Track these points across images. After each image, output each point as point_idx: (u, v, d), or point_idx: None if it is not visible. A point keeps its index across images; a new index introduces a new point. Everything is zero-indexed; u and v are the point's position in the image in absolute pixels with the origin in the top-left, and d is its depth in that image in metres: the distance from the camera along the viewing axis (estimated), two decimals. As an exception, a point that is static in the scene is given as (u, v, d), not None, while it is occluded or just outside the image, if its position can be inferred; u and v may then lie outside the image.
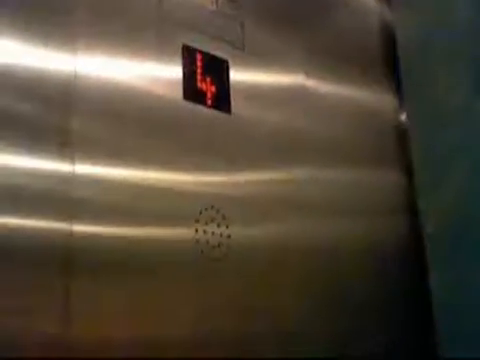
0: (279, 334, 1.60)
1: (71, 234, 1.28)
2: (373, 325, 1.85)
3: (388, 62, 2.23)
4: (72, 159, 1.33)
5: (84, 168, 1.35)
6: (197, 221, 1.52)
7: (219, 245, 1.55)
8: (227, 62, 1.71)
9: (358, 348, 1.77)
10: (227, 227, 1.57)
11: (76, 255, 1.28)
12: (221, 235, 1.56)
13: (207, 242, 1.52)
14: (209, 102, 1.63)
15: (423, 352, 1.92)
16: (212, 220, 1.55)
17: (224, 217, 1.57)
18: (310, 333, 1.67)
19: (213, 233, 1.54)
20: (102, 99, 1.42)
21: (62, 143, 1.32)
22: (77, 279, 1.27)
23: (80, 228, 1.30)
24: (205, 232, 1.53)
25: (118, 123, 1.44)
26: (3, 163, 1.24)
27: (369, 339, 1.82)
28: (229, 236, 1.57)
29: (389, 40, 2.25)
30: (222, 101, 1.66)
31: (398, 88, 2.20)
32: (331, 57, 2.04)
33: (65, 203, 1.30)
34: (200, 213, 1.53)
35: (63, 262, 1.27)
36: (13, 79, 1.29)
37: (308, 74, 1.93)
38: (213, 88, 1.65)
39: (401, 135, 2.16)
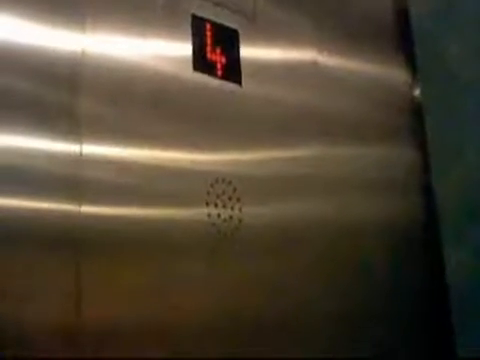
0: (290, 312, 1.57)
1: (80, 215, 1.26)
2: (387, 305, 1.82)
3: (401, 37, 2.18)
4: (80, 139, 1.30)
5: (92, 148, 1.32)
6: (208, 193, 1.48)
7: (231, 217, 1.51)
8: (237, 32, 1.66)
9: (370, 328, 1.74)
10: (238, 200, 1.54)
11: (85, 236, 1.26)
12: (233, 208, 1.52)
13: (218, 215, 1.49)
14: (219, 73, 1.59)
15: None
16: (223, 192, 1.51)
17: (235, 190, 1.54)
18: (322, 312, 1.64)
19: (224, 205, 1.51)
20: (110, 77, 1.38)
21: (69, 123, 1.29)
22: (87, 259, 1.25)
23: (88, 209, 1.28)
24: (216, 205, 1.49)
25: (127, 101, 1.40)
26: (10, 144, 1.21)
27: (382, 319, 1.78)
28: (240, 209, 1.54)
29: (402, 14, 2.20)
30: (232, 72, 1.62)
31: (412, 63, 2.15)
32: (343, 32, 2.00)
33: (73, 184, 1.27)
34: (211, 186, 1.49)
35: (72, 243, 1.24)
36: (20, 58, 1.26)
37: (320, 49, 1.89)
38: (223, 59, 1.61)
39: (415, 110, 2.11)
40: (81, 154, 1.29)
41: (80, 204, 1.26)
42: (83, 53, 1.35)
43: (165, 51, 1.52)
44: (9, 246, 1.16)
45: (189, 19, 1.57)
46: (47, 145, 1.26)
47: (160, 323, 1.33)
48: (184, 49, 1.55)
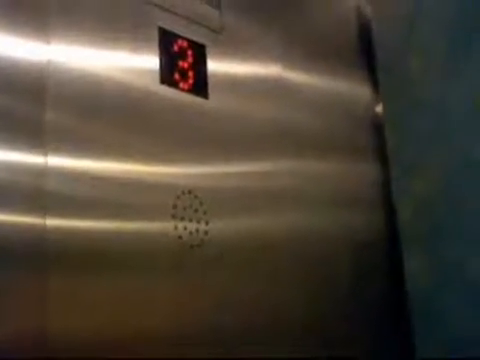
0: (254, 324, 1.59)
1: (45, 228, 1.24)
2: (350, 314, 1.85)
3: (364, 53, 2.23)
4: (45, 151, 1.28)
5: (57, 160, 1.30)
6: (175, 207, 1.49)
7: (197, 230, 1.52)
8: (204, 47, 1.68)
9: (335, 337, 1.78)
10: (205, 213, 1.54)
11: (51, 249, 1.24)
12: (199, 221, 1.53)
13: (185, 228, 1.49)
14: (186, 86, 1.60)
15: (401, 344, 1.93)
16: (190, 205, 1.52)
17: (201, 203, 1.54)
18: (286, 323, 1.65)
19: (191, 219, 1.51)
20: (76, 88, 1.37)
21: (35, 134, 1.27)
22: (53, 273, 1.23)
23: (54, 222, 1.26)
24: (182, 218, 1.49)
25: (93, 113, 1.39)
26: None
27: (346, 328, 1.81)
28: (207, 222, 1.54)
29: (366, 31, 2.25)
30: (199, 86, 1.63)
31: (374, 79, 2.20)
32: (308, 48, 2.03)
33: (38, 196, 1.25)
34: (177, 198, 1.49)
35: (38, 256, 1.22)
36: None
37: (285, 64, 1.92)
38: (190, 72, 1.62)
39: (377, 126, 2.16)
40: (46, 166, 1.28)
41: (45, 216, 1.25)
42: (49, 63, 1.34)
43: (132, 63, 1.51)
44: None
45: (156, 32, 1.57)
46: (12, 156, 1.24)
47: (127, 336, 1.32)
48: (151, 62, 1.55)
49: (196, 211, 1.53)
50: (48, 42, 1.35)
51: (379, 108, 2.19)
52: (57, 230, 1.26)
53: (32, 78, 1.30)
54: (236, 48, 1.78)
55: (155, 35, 1.57)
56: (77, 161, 1.34)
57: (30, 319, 1.19)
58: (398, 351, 1.94)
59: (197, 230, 1.52)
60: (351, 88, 2.17)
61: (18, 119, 1.26)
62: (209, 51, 1.69)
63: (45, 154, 1.28)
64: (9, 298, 1.17)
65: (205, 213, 1.55)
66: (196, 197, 1.54)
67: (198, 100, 1.62)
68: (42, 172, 1.27)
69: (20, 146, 1.25)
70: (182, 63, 1.61)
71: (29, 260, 1.21)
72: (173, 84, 1.57)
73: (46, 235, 1.24)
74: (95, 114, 1.40)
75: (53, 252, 1.24)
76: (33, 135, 1.27)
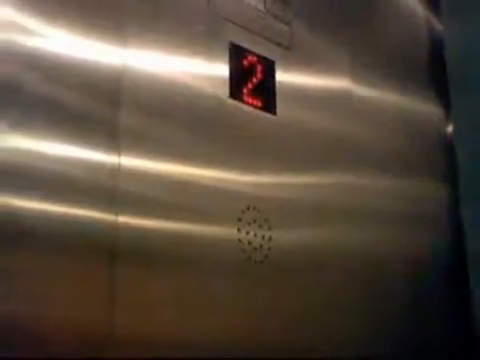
0: (317, 336, 1.58)
1: (117, 225, 1.27)
2: (411, 335, 1.81)
3: (435, 71, 2.18)
4: (119, 151, 1.31)
5: (130, 161, 1.33)
6: (240, 220, 1.49)
7: (261, 246, 1.52)
8: (274, 62, 1.68)
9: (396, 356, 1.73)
10: (269, 229, 1.54)
11: (121, 246, 1.27)
12: (263, 237, 1.53)
13: (249, 243, 1.50)
14: (254, 102, 1.60)
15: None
16: (254, 221, 1.52)
17: (266, 219, 1.54)
18: (348, 337, 1.64)
19: (255, 234, 1.51)
20: (150, 93, 1.40)
21: (109, 135, 1.31)
22: (122, 270, 1.26)
23: (125, 220, 1.29)
24: (248, 233, 1.50)
25: (165, 117, 1.42)
26: (51, 151, 1.22)
27: (407, 347, 1.77)
28: (270, 238, 1.54)
29: (437, 48, 2.21)
30: (268, 102, 1.63)
31: (445, 98, 2.15)
32: (378, 63, 2.01)
33: (111, 195, 1.29)
34: (243, 212, 1.50)
35: (109, 253, 1.25)
36: (64, 70, 1.27)
37: (354, 79, 1.90)
38: (259, 87, 1.62)
39: (447, 146, 2.11)
40: (119, 166, 1.31)
41: (117, 214, 1.28)
42: (124, 67, 1.37)
43: (204, 73, 1.53)
44: (46, 253, 1.17)
45: (227, 46, 1.59)
46: (88, 156, 1.27)
47: (186, 337, 1.34)
48: (222, 74, 1.56)
49: (260, 227, 1.53)
50: (125, 46, 1.38)
51: (450, 128, 2.14)
52: (128, 228, 1.29)
53: (108, 81, 1.34)
54: (305, 63, 1.78)
55: (226, 49, 1.58)
56: (149, 163, 1.37)
57: (99, 314, 1.22)
58: None
59: (263, 237, 1.53)
60: (421, 105, 2.13)
61: (94, 120, 1.30)
62: (278, 66, 1.68)
63: (119, 154, 1.31)
64: (80, 291, 1.20)
65: (269, 228, 1.55)
66: (260, 212, 1.53)
67: (266, 116, 1.62)
68: (116, 172, 1.30)
69: (95, 146, 1.29)
70: (251, 78, 1.61)
71: (100, 255, 1.24)
72: (241, 99, 1.58)
73: (117, 232, 1.27)
74: (167, 118, 1.43)
75: (123, 249, 1.27)
76: (108, 136, 1.31)
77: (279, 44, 1.71)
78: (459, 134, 2.08)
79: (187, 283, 1.36)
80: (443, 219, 2.05)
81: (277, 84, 1.67)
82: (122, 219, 1.29)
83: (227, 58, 1.58)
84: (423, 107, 2.13)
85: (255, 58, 1.64)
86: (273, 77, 1.67)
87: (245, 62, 1.62)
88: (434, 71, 2.18)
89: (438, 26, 2.26)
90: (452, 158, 2.09)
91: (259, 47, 1.65)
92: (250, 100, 1.60)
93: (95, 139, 1.29)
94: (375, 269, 1.78)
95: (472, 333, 1.89)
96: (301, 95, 1.74)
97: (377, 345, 1.71)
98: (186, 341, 1.34)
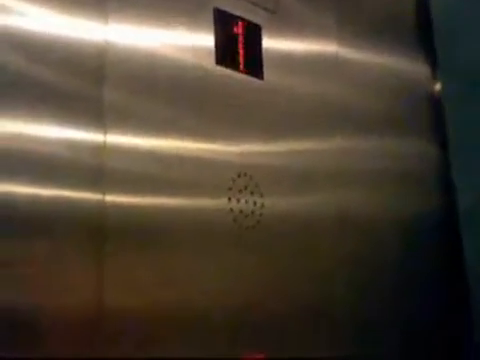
0: (312, 302, 1.59)
1: (104, 204, 1.27)
2: (405, 297, 1.83)
3: (422, 31, 2.16)
4: (104, 129, 1.30)
5: (116, 138, 1.32)
6: (230, 189, 1.49)
7: (252, 212, 1.52)
8: (260, 27, 1.66)
9: (388, 320, 1.75)
10: (261, 195, 1.54)
11: (109, 225, 1.27)
12: (255, 203, 1.53)
13: (240, 211, 1.50)
14: (241, 67, 1.59)
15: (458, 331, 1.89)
16: (245, 188, 1.52)
17: (257, 185, 1.54)
18: (340, 303, 1.65)
19: (246, 201, 1.51)
20: (134, 67, 1.39)
21: (94, 113, 1.30)
22: (110, 248, 1.26)
23: (112, 198, 1.28)
24: (238, 201, 1.50)
25: (150, 92, 1.41)
26: (35, 133, 1.22)
27: (400, 311, 1.79)
28: (262, 204, 1.54)
29: (423, 8, 2.18)
30: (254, 66, 1.62)
31: (432, 57, 2.13)
32: (363, 25, 1.99)
33: (97, 173, 1.28)
34: (233, 181, 1.50)
35: (96, 231, 1.25)
36: (45, 48, 1.26)
37: (340, 42, 1.88)
38: (246, 52, 1.60)
39: (435, 105, 2.10)
40: (105, 143, 1.30)
41: (104, 193, 1.27)
42: (106, 43, 1.35)
43: (188, 44, 1.51)
44: (32, 234, 1.17)
45: (212, 12, 1.56)
46: (73, 135, 1.26)
47: (179, 311, 1.34)
48: (207, 42, 1.54)
49: (252, 193, 1.53)
50: (106, 22, 1.36)
51: (438, 87, 2.13)
52: (115, 206, 1.29)
53: (90, 58, 1.32)
54: (291, 27, 1.76)
55: (211, 16, 1.56)
56: (135, 139, 1.36)
57: (87, 293, 1.22)
58: (456, 334, 1.90)
59: (254, 203, 1.53)
60: (408, 66, 2.11)
61: (77, 98, 1.28)
62: (264, 31, 1.66)
63: (104, 132, 1.30)
64: (68, 271, 1.20)
65: (261, 195, 1.55)
66: (251, 178, 1.53)
67: (253, 80, 1.61)
68: (101, 149, 1.29)
69: (80, 124, 1.28)
70: (237, 44, 1.59)
71: (88, 235, 1.24)
72: (228, 65, 1.56)
73: (105, 210, 1.27)
74: (152, 93, 1.41)
75: (111, 227, 1.27)
76: (93, 114, 1.30)
77: (264, 8, 1.69)
78: (447, 92, 2.07)
79: (179, 259, 1.36)
80: (433, 178, 2.05)
81: (263, 48, 1.65)
82: (109, 198, 1.28)
83: (212, 24, 1.56)
84: (410, 66, 2.12)
85: (241, 23, 1.62)
86: (260, 41, 1.65)
87: (231, 27, 1.59)
88: (420, 30, 2.16)
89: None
90: (440, 116, 2.08)
91: (244, 12, 1.63)
92: (237, 66, 1.58)
93: (80, 117, 1.28)
94: (365, 231, 1.79)
95: (467, 301, 1.90)
96: (287, 59, 1.72)
97: (365, 310, 1.72)
98: (176, 317, 1.33)
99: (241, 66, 1.59)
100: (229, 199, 1.49)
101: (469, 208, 1.93)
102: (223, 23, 1.58)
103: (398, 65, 2.08)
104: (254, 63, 1.62)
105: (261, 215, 1.53)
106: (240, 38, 1.61)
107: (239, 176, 1.52)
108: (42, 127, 1.22)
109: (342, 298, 1.66)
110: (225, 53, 1.56)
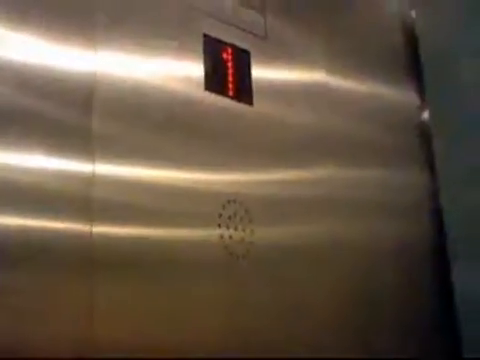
0: (303, 331, 1.56)
1: (91, 235, 1.24)
2: (397, 323, 1.81)
3: (410, 59, 2.18)
4: (93, 159, 1.29)
5: (105, 168, 1.30)
6: (220, 216, 1.47)
7: (243, 240, 1.50)
8: (249, 53, 1.65)
9: (381, 346, 1.73)
10: (250, 221, 1.52)
11: (97, 256, 1.24)
12: (244, 230, 1.51)
13: (230, 237, 1.48)
14: (231, 93, 1.58)
15: (447, 352, 1.88)
16: (235, 215, 1.50)
17: (247, 211, 1.52)
18: (334, 331, 1.63)
19: (236, 228, 1.49)
20: (122, 96, 1.37)
21: (83, 142, 1.28)
22: (99, 280, 1.24)
23: (101, 229, 1.26)
24: (228, 227, 1.47)
25: (139, 120, 1.39)
26: (23, 162, 1.20)
27: (393, 337, 1.78)
28: (252, 231, 1.52)
29: (411, 37, 2.20)
30: (244, 92, 1.61)
31: (421, 86, 2.14)
32: (352, 53, 2.00)
33: (85, 203, 1.26)
34: (223, 208, 1.48)
35: (85, 263, 1.23)
36: (34, 78, 1.25)
37: (329, 70, 1.89)
38: (235, 79, 1.60)
39: (424, 133, 2.11)
40: (94, 174, 1.28)
41: (92, 224, 1.25)
42: (96, 72, 1.34)
43: (177, 71, 1.51)
44: (21, 266, 1.15)
45: (201, 39, 1.56)
46: (60, 165, 1.25)
47: (171, 343, 1.31)
48: (196, 69, 1.54)
49: (241, 219, 1.51)
50: (95, 51, 1.36)
51: (426, 115, 2.14)
52: (103, 237, 1.26)
53: (79, 87, 1.31)
54: (280, 54, 1.76)
55: (200, 42, 1.56)
56: (124, 169, 1.34)
57: (77, 325, 1.19)
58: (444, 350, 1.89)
59: (242, 239, 1.50)
60: (397, 94, 2.12)
61: (66, 127, 1.27)
62: (254, 57, 1.66)
63: (93, 162, 1.29)
64: (56, 303, 1.17)
65: (250, 221, 1.52)
66: (241, 204, 1.51)
67: (242, 107, 1.60)
68: (90, 180, 1.27)
69: (68, 154, 1.26)
70: (226, 70, 1.59)
71: (76, 266, 1.21)
72: (217, 91, 1.55)
73: (92, 242, 1.24)
74: (141, 122, 1.40)
75: (99, 259, 1.25)
76: (81, 143, 1.28)
77: (254, 34, 1.69)
78: (435, 120, 2.08)
79: (168, 289, 1.34)
80: (422, 206, 2.05)
81: (253, 75, 1.65)
82: (97, 229, 1.26)
83: (201, 51, 1.55)
84: (399, 95, 2.13)
85: (230, 49, 1.61)
86: (249, 67, 1.65)
87: (220, 53, 1.59)
88: (408, 59, 2.18)
89: (411, 14, 2.26)
90: (429, 145, 2.08)
91: (234, 38, 1.63)
92: (226, 91, 1.57)
93: (68, 147, 1.26)
94: (356, 259, 1.77)
95: (455, 319, 1.90)
96: (277, 86, 1.72)
97: (363, 336, 1.70)
98: (170, 348, 1.30)
99: (230, 92, 1.58)
100: (219, 226, 1.46)
101: (457, 236, 1.92)
102: (212, 49, 1.58)
103: (387, 94, 2.09)
104: (243, 89, 1.61)
105: (251, 243, 1.51)
106: (229, 64, 1.60)
107: (229, 202, 1.50)
108: (30, 157, 1.21)
109: (333, 327, 1.63)
110: (214, 79, 1.56)
